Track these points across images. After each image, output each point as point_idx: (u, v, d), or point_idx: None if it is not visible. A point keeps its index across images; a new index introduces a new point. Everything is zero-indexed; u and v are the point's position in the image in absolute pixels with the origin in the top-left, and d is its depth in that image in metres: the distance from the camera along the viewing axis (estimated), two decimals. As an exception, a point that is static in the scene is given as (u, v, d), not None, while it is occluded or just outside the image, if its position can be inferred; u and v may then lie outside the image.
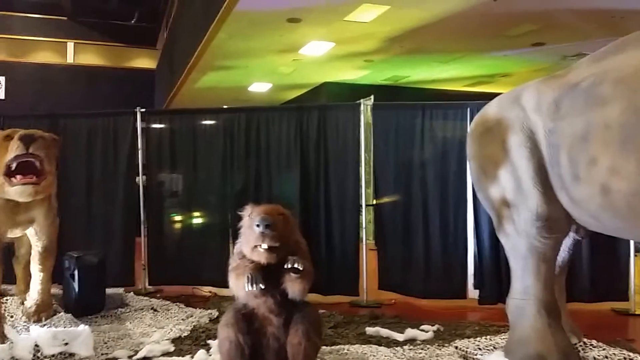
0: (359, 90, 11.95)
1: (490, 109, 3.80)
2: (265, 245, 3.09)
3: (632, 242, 5.47)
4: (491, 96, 4.08)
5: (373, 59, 11.39)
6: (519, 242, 3.51)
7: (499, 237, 3.76)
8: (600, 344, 3.98)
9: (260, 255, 3.13)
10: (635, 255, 5.62)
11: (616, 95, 2.90)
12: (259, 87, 14.12)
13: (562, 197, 3.27)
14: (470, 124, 5.27)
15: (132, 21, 20.54)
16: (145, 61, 20.21)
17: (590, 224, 3.27)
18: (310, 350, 3.22)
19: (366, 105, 6.12)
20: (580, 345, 3.87)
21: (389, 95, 12.26)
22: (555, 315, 3.48)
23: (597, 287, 5.44)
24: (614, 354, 3.79)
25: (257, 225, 3.08)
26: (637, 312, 5.39)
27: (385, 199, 5.94)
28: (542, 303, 3.44)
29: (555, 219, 3.37)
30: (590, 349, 3.88)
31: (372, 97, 9.69)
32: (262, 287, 3.09)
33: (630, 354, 3.82)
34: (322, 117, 6.01)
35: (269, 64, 11.78)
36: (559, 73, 3.51)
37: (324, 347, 4.02)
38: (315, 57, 11.13)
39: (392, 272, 5.81)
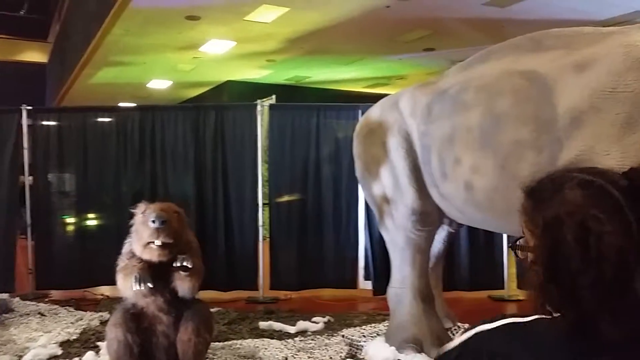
0: (261, 90, 12.05)
1: (373, 112, 4.06)
2: (159, 242, 3.10)
3: (504, 235, 6.01)
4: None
5: (275, 59, 11.53)
6: (397, 235, 3.79)
7: (380, 231, 4.03)
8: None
9: (153, 252, 3.13)
10: (509, 246, 6.17)
11: (477, 101, 3.22)
12: (159, 84, 13.83)
13: (434, 193, 3.58)
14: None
15: (22, 12, 19.34)
16: (35, 55, 19.11)
17: (458, 217, 3.60)
18: (200, 347, 3.29)
19: (263, 106, 6.24)
20: (454, 329, 4.23)
21: (291, 95, 12.47)
22: (430, 301, 3.80)
23: (476, 277, 5.93)
24: (483, 335, 4.18)
25: (153, 221, 3.07)
26: (511, 298, 5.93)
27: (282, 198, 6.11)
28: (418, 291, 3.74)
29: (428, 213, 3.67)
30: (463, 331, 4.24)
31: (273, 96, 9.84)
32: (151, 286, 3.11)
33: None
34: (219, 117, 6.07)
35: (168, 61, 11.60)
36: (432, 80, 3.82)
37: (216, 343, 4.11)
38: (217, 56, 11.10)
39: (284, 271, 5.99)
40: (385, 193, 3.84)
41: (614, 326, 0.95)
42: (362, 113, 5.82)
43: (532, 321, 1.05)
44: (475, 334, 1.13)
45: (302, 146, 6.03)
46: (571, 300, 0.98)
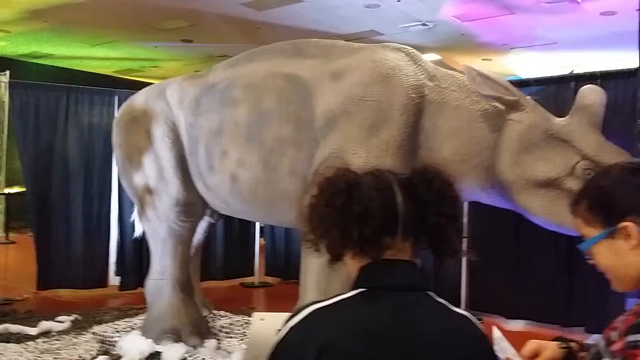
0: (-9, 62, 10.48)
1: (137, 100, 3.93)
2: None
3: (257, 226, 6.37)
4: (141, 85, 4.21)
5: (10, 30, 10.16)
6: (159, 226, 3.74)
7: (141, 222, 3.93)
8: (227, 313, 4.54)
9: None
10: (260, 237, 6.56)
11: (244, 98, 3.37)
12: None
13: (199, 184, 3.63)
14: (117, 111, 5.27)
15: None
16: None
17: (222, 208, 3.71)
18: None
19: (0, 82, 5.49)
20: (211, 317, 4.34)
21: (28, 72, 11.10)
22: (189, 291, 3.85)
23: (230, 266, 6.15)
24: (237, 320, 4.39)
25: None
26: (260, 285, 6.31)
27: (19, 188, 5.45)
28: (178, 281, 3.76)
29: (192, 204, 3.71)
30: (219, 318, 4.40)
31: (7, 72, 8.66)
32: None
33: (249, 318, 4.49)
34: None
35: None
36: (201, 73, 3.87)
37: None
38: None
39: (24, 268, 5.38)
40: (148, 183, 3.75)
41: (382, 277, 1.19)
42: (119, 99, 5.57)
43: (337, 302, 1.17)
44: (288, 331, 1.16)
45: (48, 131, 5.46)
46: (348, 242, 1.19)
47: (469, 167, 2.90)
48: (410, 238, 1.19)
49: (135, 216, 4.16)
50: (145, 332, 3.82)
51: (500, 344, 1.39)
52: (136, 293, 5.33)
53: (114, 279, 5.76)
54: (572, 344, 1.41)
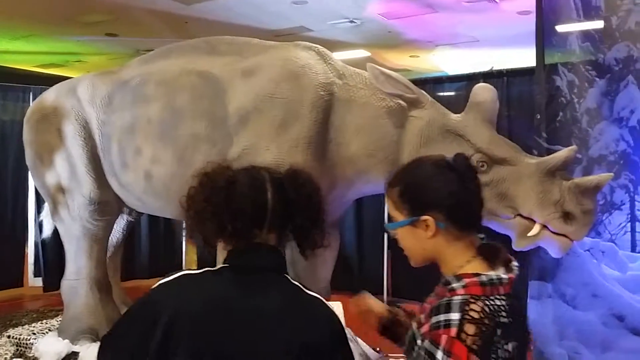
0: None
1: (48, 97, 3.83)
2: None
3: (184, 223, 6.31)
4: (65, 80, 4.08)
5: None
6: (73, 226, 3.68)
7: (54, 222, 3.84)
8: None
9: None
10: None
11: (157, 95, 3.36)
12: None
13: (113, 182, 3.59)
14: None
15: None
16: None
17: (137, 205, 3.69)
18: None
19: None
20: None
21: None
22: (107, 291, 3.81)
23: (156, 264, 6.09)
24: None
25: None
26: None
27: None
28: (94, 281, 3.71)
29: (106, 203, 3.67)
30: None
31: None
32: None
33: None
34: None
35: None
36: (113, 69, 3.82)
37: None
38: None
39: None
40: (60, 182, 3.68)
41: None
42: (35, 95, 5.39)
43: (202, 272, 1.31)
44: (154, 288, 1.30)
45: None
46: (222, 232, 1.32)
47: (376, 161, 3.02)
48: (276, 232, 1.30)
49: (43, 216, 4.07)
50: (62, 332, 3.76)
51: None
52: (59, 294, 5.20)
53: (33, 280, 5.59)
54: (400, 311, 1.56)
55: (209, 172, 1.34)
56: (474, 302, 1.23)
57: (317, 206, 1.35)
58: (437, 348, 1.19)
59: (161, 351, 1.20)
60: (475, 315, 1.21)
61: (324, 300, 1.31)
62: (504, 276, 1.30)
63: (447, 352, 1.18)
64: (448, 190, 1.33)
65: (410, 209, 1.35)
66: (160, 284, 1.29)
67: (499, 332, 1.23)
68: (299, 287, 1.30)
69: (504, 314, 1.25)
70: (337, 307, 1.72)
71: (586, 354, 3.64)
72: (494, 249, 1.38)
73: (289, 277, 1.32)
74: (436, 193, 1.33)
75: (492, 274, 1.30)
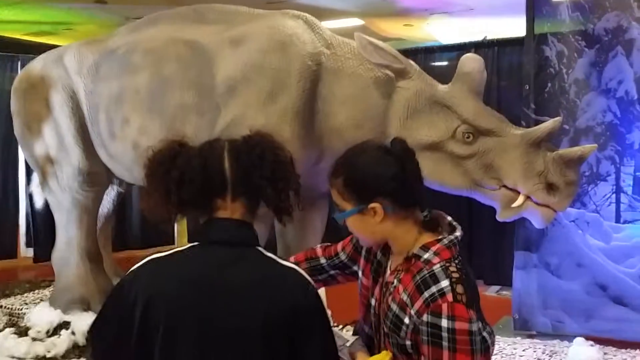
0: None
1: (35, 66, 3.80)
2: None
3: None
4: (52, 48, 4.03)
5: None
6: (62, 196, 3.69)
7: (44, 193, 3.85)
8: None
9: None
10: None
11: (145, 64, 3.33)
12: None
13: (102, 153, 3.59)
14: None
15: None
16: None
17: (125, 176, 3.69)
18: None
19: None
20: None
21: None
22: (98, 261, 3.83)
23: (148, 235, 6.11)
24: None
25: None
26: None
27: None
28: (85, 251, 3.73)
29: (95, 173, 3.66)
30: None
31: None
32: None
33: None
34: None
35: None
36: (100, 38, 3.77)
37: None
38: None
39: None
40: (48, 153, 3.67)
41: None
42: (23, 64, 5.32)
43: (171, 253, 1.31)
44: (126, 276, 1.32)
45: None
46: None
47: (364, 132, 3.02)
48: (240, 199, 1.31)
49: (34, 187, 4.06)
50: (54, 302, 3.79)
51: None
52: (49, 264, 5.24)
53: (25, 251, 5.62)
54: None
55: (159, 149, 1.35)
56: (449, 265, 1.33)
57: (273, 165, 1.32)
58: (440, 317, 1.27)
59: (142, 335, 1.24)
60: (457, 275, 1.31)
61: (299, 270, 1.32)
62: (458, 234, 1.41)
63: (452, 317, 1.26)
64: (390, 175, 1.38)
65: (357, 198, 1.40)
66: (131, 271, 1.30)
67: (471, 282, 1.35)
68: (272, 258, 1.30)
69: (466, 266, 1.37)
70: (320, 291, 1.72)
71: (569, 322, 3.72)
72: (434, 218, 1.46)
73: (260, 249, 1.33)
74: (379, 179, 1.38)
75: (451, 236, 1.39)
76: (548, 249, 3.72)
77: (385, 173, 1.38)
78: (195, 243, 1.32)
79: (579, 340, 3.49)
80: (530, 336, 3.78)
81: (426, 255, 1.36)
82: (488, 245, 4.87)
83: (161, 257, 1.30)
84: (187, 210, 1.34)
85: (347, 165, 1.44)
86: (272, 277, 1.28)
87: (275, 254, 1.33)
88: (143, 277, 1.28)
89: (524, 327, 3.81)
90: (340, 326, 3.44)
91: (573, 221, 3.66)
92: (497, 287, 4.94)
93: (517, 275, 3.79)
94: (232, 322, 1.22)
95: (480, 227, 4.82)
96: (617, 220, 3.62)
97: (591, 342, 3.49)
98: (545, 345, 3.61)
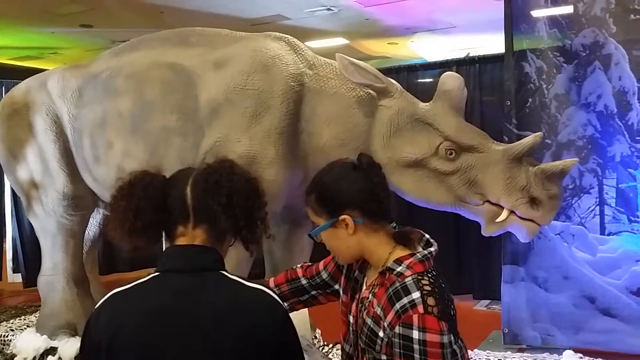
0: None
1: (18, 92, 3.80)
2: None
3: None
4: (38, 73, 4.03)
5: None
6: (47, 221, 3.67)
7: (29, 218, 3.83)
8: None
9: None
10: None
11: (127, 88, 3.35)
12: None
13: (86, 176, 3.58)
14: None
15: None
16: None
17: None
18: None
19: None
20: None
21: None
22: (84, 285, 3.80)
23: (137, 256, 6.05)
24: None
25: None
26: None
27: None
28: (71, 276, 3.70)
29: (81, 197, 3.65)
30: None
31: None
32: None
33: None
34: None
35: None
36: (84, 63, 3.79)
37: None
38: None
39: None
40: (33, 178, 3.66)
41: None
42: (8, 89, 5.32)
43: (132, 285, 1.29)
44: (91, 315, 1.28)
45: None
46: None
47: (347, 151, 3.04)
48: (202, 225, 1.31)
49: None
50: (40, 328, 3.75)
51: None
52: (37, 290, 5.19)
53: (12, 277, 5.56)
54: None
55: (128, 179, 1.37)
56: (422, 278, 1.37)
57: (238, 195, 1.31)
58: (411, 328, 1.28)
59: None
60: (429, 288, 1.34)
61: (266, 290, 1.30)
62: (432, 249, 1.45)
63: (422, 329, 1.28)
64: (357, 188, 1.44)
65: (328, 212, 1.46)
66: (95, 309, 1.28)
67: (445, 295, 1.37)
68: (238, 281, 1.28)
69: (440, 280, 1.40)
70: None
71: (559, 335, 3.73)
72: (406, 233, 1.49)
73: (224, 273, 1.30)
74: (348, 193, 1.45)
75: (424, 251, 1.43)
76: (535, 262, 3.74)
77: (352, 186, 1.45)
78: (157, 273, 1.29)
79: (568, 352, 3.50)
80: (521, 350, 3.78)
81: (399, 269, 1.39)
82: (476, 260, 4.89)
83: (122, 290, 1.27)
84: (142, 239, 1.32)
85: (318, 182, 1.50)
86: (237, 301, 1.26)
87: (263, 273, 1.33)
88: (104, 315, 1.25)
89: (514, 341, 3.81)
90: (330, 345, 3.43)
91: (559, 234, 3.69)
92: (487, 302, 4.96)
93: (505, 289, 3.81)
94: (198, 351, 1.20)
95: (468, 243, 4.85)
96: (602, 232, 3.65)
97: (580, 355, 3.50)
98: (535, 359, 3.61)
